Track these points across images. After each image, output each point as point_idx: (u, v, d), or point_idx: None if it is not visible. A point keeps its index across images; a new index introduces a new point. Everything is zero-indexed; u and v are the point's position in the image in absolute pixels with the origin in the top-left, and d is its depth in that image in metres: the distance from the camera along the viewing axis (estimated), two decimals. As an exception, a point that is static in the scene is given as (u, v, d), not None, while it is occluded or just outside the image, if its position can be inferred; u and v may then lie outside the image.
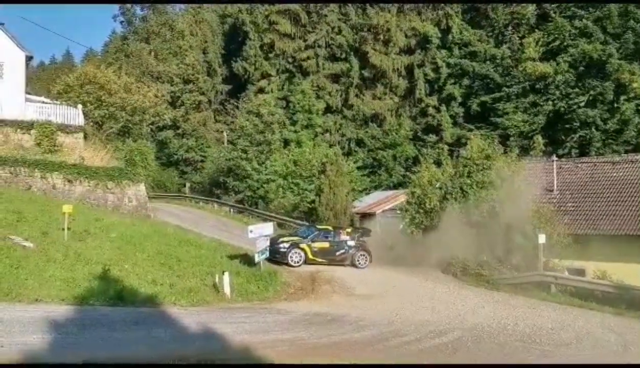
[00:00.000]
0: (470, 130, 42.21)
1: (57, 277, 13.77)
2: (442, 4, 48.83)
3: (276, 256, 22.01)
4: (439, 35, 48.85)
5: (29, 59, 35.50)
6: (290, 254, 22.37)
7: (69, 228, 18.33)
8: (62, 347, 9.16)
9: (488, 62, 45.22)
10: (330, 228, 25.17)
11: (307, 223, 32.60)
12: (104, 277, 14.51)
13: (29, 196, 25.48)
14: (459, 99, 47.07)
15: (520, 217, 22.19)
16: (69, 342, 9.53)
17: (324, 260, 22.83)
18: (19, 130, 31.20)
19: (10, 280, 12.69)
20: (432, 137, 47.16)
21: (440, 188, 26.96)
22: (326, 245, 23.26)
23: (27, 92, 35.02)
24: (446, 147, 44.60)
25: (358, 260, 23.29)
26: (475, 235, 22.32)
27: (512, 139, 39.91)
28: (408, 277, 22.00)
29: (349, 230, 24.70)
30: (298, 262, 22.35)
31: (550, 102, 41.03)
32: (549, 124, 41.32)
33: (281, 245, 22.59)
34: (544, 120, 41.28)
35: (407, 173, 41.85)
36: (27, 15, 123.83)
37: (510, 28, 45.05)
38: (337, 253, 23.15)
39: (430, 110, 48.67)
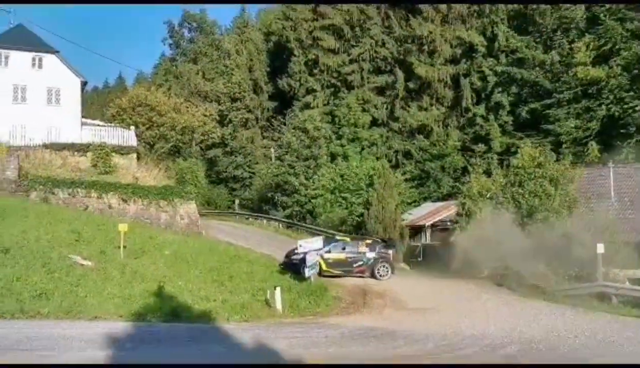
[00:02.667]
0: (520, 138, 41.25)
1: (114, 294, 14.13)
2: (488, 13, 48.12)
3: (291, 268, 21.97)
4: (485, 43, 48.12)
5: (83, 84, 37.00)
6: (303, 266, 21.73)
7: (124, 247, 18.83)
8: (123, 362, 9.36)
9: (537, 69, 44.20)
10: (348, 239, 24.84)
11: (379, 240, 32.56)
12: (159, 293, 14.80)
13: (86, 216, 26.34)
14: (508, 107, 46.13)
15: (577, 226, 21.49)
16: (128, 358, 9.72)
17: (340, 272, 22.43)
18: (76, 153, 32.48)
19: (71, 298, 13.09)
20: (481, 147, 46.30)
21: (491, 198, 26.46)
22: (342, 256, 22.89)
23: (83, 116, 36.45)
24: (496, 157, 43.82)
25: (378, 271, 22.83)
26: (530, 246, 21.70)
27: (565, 146, 38.72)
28: (461, 289, 21.60)
29: (368, 241, 24.18)
30: (312, 275, 21.47)
31: (604, 107, 39.67)
32: (604, 129, 39.92)
33: (294, 257, 22.50)
34: (598, 125, 39.92)
35: (457, 184, 41.28)
36: (81, 41, 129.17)
37: (559, 33, 43.93)
38: (355, 265, 22.75)
39: (478, 120, 47.87)
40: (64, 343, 9.90)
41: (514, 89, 45.97)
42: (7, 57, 34.20)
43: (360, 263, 22.78)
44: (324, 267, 22.17)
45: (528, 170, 25.04)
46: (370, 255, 23.02)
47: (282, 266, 23.16)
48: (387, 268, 23.20)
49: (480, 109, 47.88)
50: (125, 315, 12.76)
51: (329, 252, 22.80)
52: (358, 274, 22.68)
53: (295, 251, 22.72)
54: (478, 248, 24.71)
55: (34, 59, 34.80)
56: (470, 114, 48.72)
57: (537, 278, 21.18)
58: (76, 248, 18.34)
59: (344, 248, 23.28)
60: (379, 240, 25.49)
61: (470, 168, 40.68)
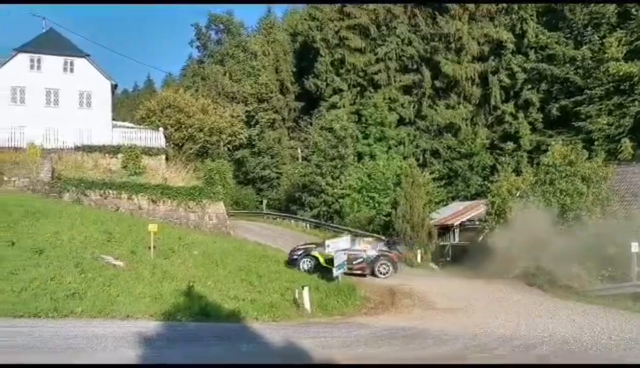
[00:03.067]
0: (550, 136, 40.66)
1: (145, 293, 14.30)
2: (516, 9, 47.46)
3: (292, 264, 22.50)
4: (514, 40, 47.54)
5: (114, 87, 37.64)
6: (301, 262, 22.66)
7: (154, 247, 19.06)
8: (155, 360, 9.48)
9: (567, 65, 43.50)
10: (343, 237, 24.51)
11: (383, 237, 32.43)
12: (188, 293, 14.93)
13: (117, 217, 26.75)
14: (538, 105, 45.53)
15: (610, 225, 21.07)
16: (160, 357, 9.84)
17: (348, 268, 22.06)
18: (106, 154, 33.04)
19: (104, 297, 13.29)
20: (510, 145, 45.76)
21: (521, 197, 26.10)
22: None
23: (113, 119, 37.10)
24: (525, 155, 43.29)
25: (379, 270, 22.78)
26: (562, 245, 21.35)
27: (597, 143, 38.00)
28: (491, 289, 21.35)
29: (369, 239, 24.18)
30: (308, 269, 22.32)
31: (637, 103, 38.84)
32: (637, 125, 39.08)
33: (294, 253, 23.05)
34: (631, 122, 39.07)
35: (485, 182, 40.82)
36: (111, 45, 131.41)
37: (589, 28, 43.15)
38: (354, 262, 22.50)
39: (507, 118, 47.32)
40: (97, 342, 10.07)
41: (544, 86, 45.35)
42: (39, 62, 34.97)
43: (360, 260, 22.64)
44: (322, 263, 22.20)
45: (559, 169, 24.65)
46: (371, 253, 22.91)
47: (287, 263, 23.28)
48: (387, 266, 23.11)
49: (509, 107, 47.33)
50: (156, 314, 12.90)
51: (321, 247, 22.95)
52: (358, 271, 22.60)
53: (297, 248, 23.52)
54: (508, 247, 24.43)
55: (65, 63, 35.52)
56: (498, 112, 48.20)
57: (569, 278, 20.84)
58: (108, 249, 18.63)
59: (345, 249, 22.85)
60: (383, 239, 25.39)
61: (499, 166, 40.28)
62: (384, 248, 23.75)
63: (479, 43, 49.88)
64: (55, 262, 15.28)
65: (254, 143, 59.53)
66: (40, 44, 35.85)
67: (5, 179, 28.85)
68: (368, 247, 23.24)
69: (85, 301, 12.73)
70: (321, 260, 22.30)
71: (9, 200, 23.45)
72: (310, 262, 22.66)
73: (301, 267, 22.52)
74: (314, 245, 23.80)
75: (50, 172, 30.30)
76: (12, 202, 23.01)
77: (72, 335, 10.34)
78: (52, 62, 35.23)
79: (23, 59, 34.69)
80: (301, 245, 23.80)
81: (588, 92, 41.52)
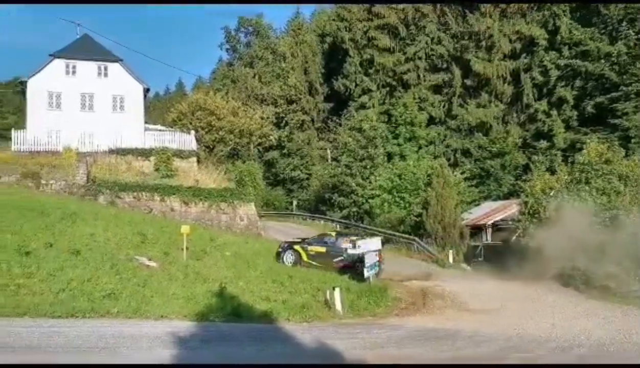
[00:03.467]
0: (585, 134, 39.79)
1: (178, 294, 14.48)
2: (549, 5, 46.66)
3: (278, 257, 23.26)
4: (546, 36, 46.74)
5: (146, 91, 38.27)
6: (284, 255, 23.20)
7: (187, 248, 19.29)
8: (188, 360, 9.59)
9: (602, 61, 42.55)
10: (332, 234, 24.97)
11: (416, 238, 32.28)
12: (220, 294, 15.07)
13: (150, 218, 27.17)
14: (572, 102, 44.65)
15: (649, 224, 20.53)
16: (194, 357, 9.95)
17: (320, 265, 22.25)
18: (139, 157, 33.60)
19: (138, 298, 13.50)
20: (543, 143, 44.97)
21: (556, 196, 25.61)
22: (322, 249, 22.87)
23: (145, 122, 37.69)
24: (559, 153, 42.48)
25: (358, 268, 21.65)
26: (598, 246, 20.88)
27: (634, 140, 37.10)
28: (525, 290, 21.01)
29: (353, 238, 23.71)
30: (291, 263, 22.77)
31: (675, 99, 37.83)
32: (677, 122, 38.07)
33: (280, 247, 23.81)
34: (670, 118, 38.08)
35: (518, 182, 40.18)
36: (143, 50, 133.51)
37: (624, 23, 42.15)
38: (335, 260, 22.39)
39: (540, 116, 46.53)
40: (133, 342, 10.24)
41: (578, 83, 44.49)
42: (74, 67, 35.74)
43: (341, 258, 22.42)
44: (304, 258, 22.76)
45: (595, 167, 24.12)
46: (352, 251, 22.34)
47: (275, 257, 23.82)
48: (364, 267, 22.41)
49: (542, 105, 46.54)
50: (189, 314, 13.05)
51: (310, 244, 23.40)
52: (339, 269, 22.23)
53: (285, 242, 24.35)
54: (542, 248, 23.99)
55: (99, 68, 36.25)
56: (531, 110, 47.45)
57: (606, 279, 20.36)
58: (142, 250, 18.93)
59: (325, 242, 23.33)
60: (365, 237, 24.75)
61: (532, 165, 39.61)
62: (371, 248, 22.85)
63: (510, 40, 49.20)
64: (92, 263, 15.58)
65: (283, 144, 59.78)
66: (75, 49, 36.66)
67: (43, 182, 29.56)
68: (349, 246, 22.73)
69: (120, 301, 12.95)
70: (303, 255, 22.92)
71: (47, 202, 24.01)
72: (292, 255, 23.23)
73: (285, 260, 23.06)
74: (300, 240, 24.40)
75: (85, 174, 30.94)
76: (50, 204, 23.55)
77: (109, 335, 10.53)
78: (87, 67, 35.98)
79: (59, 64, 35.51)
80: (289, 240, 24.17)
81: (624, 88, 40.56)
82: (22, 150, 32.58)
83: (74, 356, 8.99)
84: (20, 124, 38.16)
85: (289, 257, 23.21)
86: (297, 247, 23.48)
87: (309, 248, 23.13)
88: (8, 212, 20.06)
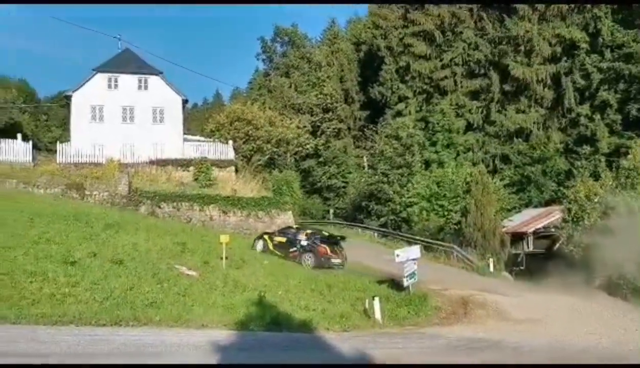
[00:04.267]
0: (630, 138, 38.67)
1: (218, 303, 14.58)
2: (589, 7, 45.62)
3: (252, 246, 25.86)
4: (587, 39, 45.71)
5: (184, 102, 38.94)
6: (256, 243, 26.05)
7: (226, 257, 19.45)
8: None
9: (646, 63, 41.37)
10: (293, 228, 27.66)
11: (455, 246, 31.87)
12: (260, 303, 15.11)
13: (189, 228, 27.55)
14: (615, 105, 43.50)
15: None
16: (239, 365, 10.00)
17: (281, 254, 24.54)
18: (179, 168, 34.19)
19: (179, 307, 13.65)
20: (586, 149, 43.88)
21: (600, 203, 24.94)
22: (283, 240, 25.36)
23: (184, 133, 38.30)
24: (603, 158, 41.38)
25: (304, 259, 24.14)
26: (646, 253, 20.21)
27: (682, 144, 35.82)
28: (569, 299, 20.43)
29: (308, 232, 25.96)
30: (260, 250, 25.32)
31: None
32: None
33: (255, 237, 26.83)
34: None
35: (560, 188, 39.31)
36: (182, 62, 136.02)
37: (669, 24, 40.93)
38: (291, 249, 24.74)
39: (582, 120, 45.46)
40: (176, 350, 10.36)
41: (621, 86, 43.36)
42: (116, 81, 36.65)
43: (295, 249, 24.68)
44: (270, 246, 25.40)
45: (641, 172, 23.40)
46: (304, 243, 24.65)
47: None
48: (311, 258, 24.20)
49: (585, 109, 45.48)
50: (229, 323, 13.12)
51: (275, 235, 26.17)
52: (292, 258, 24.33)
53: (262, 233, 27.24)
54: (587, 255, 23.38)
55: (140, 81, 37.06)
56: (573, 114, 46.41)
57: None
58: (182, 259, 19.15)
59: (287, 234, 25.84)
60: (325, 235, 26.21)
61: (574, 171, 38.71)
62: (315, 243, 24.77)
63: (550, 44, 48.27)
64: (134, 272, 15.83)
65: (320, 153, 59.90)
66: (116, 63, 37.60)
67: (87, 192, 30.33)
68: (304, 238, 25.00)
69: (162, 310, 13.11)
70: (269, 244, 25.52)
71: (90, 212, 24.58)
72: (262, 243, 25.83)
73: (256, 247, 25.72)
74: (269, 232, 27.00)
75: (127, 185, 31.61)
76: (94, 214, 24.10)
77: (151, 344, 10.68)
78: (128, 81, 36.85)
79: (101, 78, 36.47)
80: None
81: (670, 91, 39.34)
82: (66, 162, 33.50)
83: (118, 362, 9.14)
84: (65, 137, 39.31)
85: (259, 245, 25.81)
86: (265, 236, 26.22)
87: (275, 238, 25.68)
88: (54, 222, 20.61)
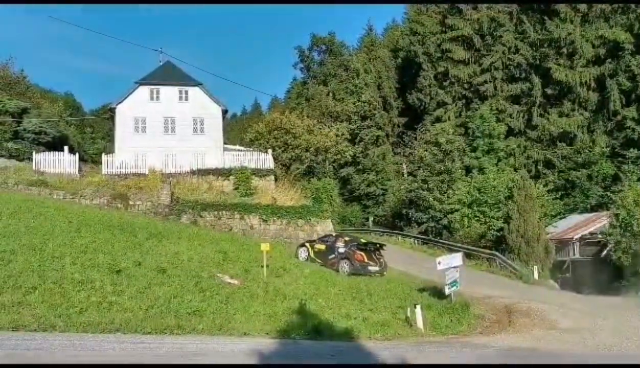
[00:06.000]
0: (680, 140, 37.40)
1: (260, 312, 14.67)
2: (634, 8, 44.40)
3: (296, 255, 25.76)
4: (632, 40, 44.45)
5: (224, 112, 39.45)
6: (299, 251, 26.03)
7: (267, 266, 19.58)
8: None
9: (695, 63, 39.97)
10: (332, 235, 27.44)
11: (497, 253, 31.31)
12: (301, 311, 15.14)
13: (230, 236, 27.83)
14: (663, 107, 42.12)
15: None
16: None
17: (321, 261, 24.37)
18: (219, 177, 34.62)
19: (221, 315, 13.80)
20: (634, 152, 42.58)
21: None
22: (323, 247, 25.14)
23: (224, 142, 38.77)
24: (652, 162, 40.10)
25: (341, 266, 23.88)
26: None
27: None
28: (619, 308, 19.84)
29: (346, 239, 25.80)
30: (303, 258, 25.22)
31: None
32: None
33: (297, 246, 26.78)
34: None
35: (607, 193, 38.27)
36: (221, 73, 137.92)
37: None
38: (330, 257, 24.48)
39: (629, 123, 44.18)
40: (217, 359, 10.44)
41: (670, 87, 41.95)
42: (158, 93, 37.40)
43: (333, 255, 24.41)
44: (311, 254, 25.34)
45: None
46: (342, 250, 24.39)
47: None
48: (348, 265, 23.96)
49: (631, 111, 44.24)
50: (270, 332, 13.18)
51: (315, 242, 26.08)
52: (330, 266, 24.13)
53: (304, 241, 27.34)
54: (636, 262, 22.62)
55: (180, 92, 37.74)
56: (619, 117, 45.18)
57: None
58: (223, 268, 19.38)
59: (327, 241, 25.64)
60: (363, 242, 25.89)
61: (622, 175, 37.61)
62: (352, 249, 24.51)
63: (593, 45, 47.15)
64: (177, 280, 16.09)
65: (358, 160, 59.78)
66: (158, 76, 38.43)
67: (131, 203, 30.99)
68: (341, 245, 24.78)
69: (205, 318, 13.27)
70: (310, 252, 25.42)
71: (134, 222, 25.15)
72: (304, 251, 25.76)
73: (299, 256, 25.64)
74: (316, 240, 26.76)
75: (169, 195, 32.15)
76: (138, 224, 24.65)
77: (195, 352, 10.80)
78: (169, 92, 37.57)
79: (144, 91, 37.29)
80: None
81: None
82: (111, 173, 34.32)
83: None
84: (110, 149, 40.32)
85: (302, 253, 25.71)
86: (307, 244, 26.19)
87: (315, 246, 25.69)
88: (100, 232, 21.15)
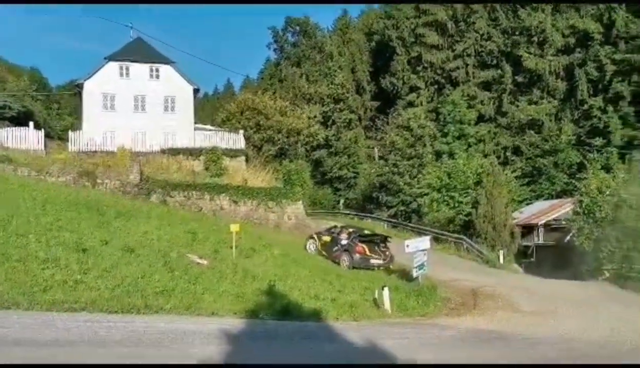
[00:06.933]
0: (643, 130, 38.38)
1: (229, 292, 14.65)
2: None
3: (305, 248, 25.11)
4: (602, 30, 45.23)
5: (196, 91, 38.94)
6: (307, 244, 25.30)
7: (236, 247, 19.53)
8: (239, 357, 9.70)
9: (661, 54, 40.90)
10: (338, 226, 26.61)
11: (465, 238, 31.78)
12: (270, 292, 15.19)
13: (200, 217, 27.64)
14: (629, 97, 43.08)
15: None
16: (244, 353, 10.07)
17: (326, 254, 23.72)
18: (189, 157, 34.27)
19: (190, 295, 13.73)
20: (599, 141, 43.56)
21: (612, 195, 24.76)
22: (328, 239, 24.31)
23: (195, 122, 38.34)
24: (616, 151, 41.07)
25: (342, 260, 23.05)
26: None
27: (696, 137, 35.50)
28: (580, 292, 20.38)
29: (350, 230, 24.73)
30: (312, 251, 24.59)
31: None
32: None
33: (306, 239, 25.90)
34: None
35: (572, 181, 39.08)
36: (193, 51, 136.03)
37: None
38: (333, 249, 23.59)
39: (595, 112, 45.11)
40: (186, 338, 10.43)
41: (635, 78, 42.90)
42: (127, 69, 36.68)
43: (337, 248, 23.54)
44: (319, 246, 24.64)
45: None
46: (344, 242, 23.50)
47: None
48: (349, 257, 23.04)
49: (598, 101, 45.14)
50: (239, 312, 13.18)
51: (323, 234, 25.28)
52: (334, 258, 23.40)
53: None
54: (598, 248, 23.24)
55: (151, 70, 37.09)
56: (586, 106, 46.08)
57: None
58: (192, 248, 19.25)
59: (332, 233, 24.80)
60: (366, 234, 24.96)
61: (587, 163, 38.44)
62: (352, 242, 23.47)
63: (563, 35, 47.86)
64: (145, 260, 15.93)
65: (330, 143, 59.88)
66: (128, 52, 37.63)
67: (99, 181, 30.50)
68: (345, 237, 23.87)
69: (173, 298, 13.19)
70: (318, 244, 24.70)
71: (102, 201, 24.74)
72: (312, 244, 25.03)
73: (308, 248, 25.01)
74: (322, 232, 25.84)
75: (138, 174, 31.75)
76: (105, 202, 24.26)
77: (163, 331, 10.76)
78: (139, 70, 36.88)
79: (113, 67, 36.53)
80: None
81: (685, 82, 38.90)
82: (78, 150, 33.66)
83: (130, 349, 9.23)
84: (77, 126, 39.50)
85: (310, 246, 25.09)
86: (315, 236, 25.55)
87: (322, 238, 24.77)
88: (66, 210, 20.76)
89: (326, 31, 75.58)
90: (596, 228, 24.54)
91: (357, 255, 22.77)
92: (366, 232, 25.14)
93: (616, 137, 42.64)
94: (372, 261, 22.75)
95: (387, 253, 23.57)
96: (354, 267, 22.22)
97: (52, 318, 10.57)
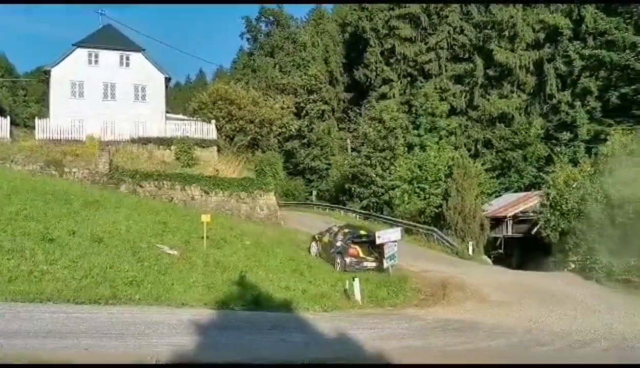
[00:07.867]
0: (609, 125, 39.23)
1: (199, 282, 14.59)
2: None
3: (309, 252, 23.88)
4: (571, 26, 46.01)
5: (167, 80, 38.44)
6: (311, 245, 24.09)
7: (207, 237, 19.43)
8: (210, 348, 9.68)
9: (628, 51, 41.80)
10: (336, 227, 24.63)
11: (435, 229, 32.10)
12: (241, 282, 15.17)
13: (171, 207, 27.39)
14: (596, 93, 43.99)
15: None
16: (215, 344, 10.05)
17: (325, 255, 22.43)
18: (160, 146, 33.86)
19: (160, 285, 13.63)
20: (566, 135, 44.42)
21: (578, 188, 25.30)
22: (327, 240, 23.03)
23: (166, 111, 37.87)
24: (583, 145, 41.95)
25: (336, 262, 21.51)
26: (621, 238, 20.59)
27: (660, 132, 36.38)
28: (546, 282, 20.79)
29: (345, 231, 23.08)
30: (315, 253, 23.36)
31: None
32: None
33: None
34: (698, 109, 37.29)
35: (540, 174, 39.82)
36: (164, 39, 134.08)
37: (651, 12, 41.33)
38: (330, 250, 22.26)
39: (563, 107, 45.93)
40: (155, 329, 10.35)
41: (603, 73, 43.81)
42: (97, 57, 36.00)
43: (332, 250, 22.15)
44: (320, 248, 23.35)
45: (619, 159, 23.74)
46: (339, 243, 22.05)
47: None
48: (339, 260, 21.50)
49: (566, 95, 45.96)
50: (209, 302, 13.14)
51: (323, 235, 23.75)
52: (331, 260, 21.89)
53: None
54: (564, 240, 23.75)
55: (121, 58, 36.48)
56: (554, 101, 46.87)
57: (629, 272, 20.06)
58: (163, 238, 19.09)
59: (331, 233, 23.31)
60: (361, 234, 22.93)
61: (554, 157, 39.20)
62: (346, 243, 21.90)
63: (534, 30, 48.53)
64: (114, 250, 15.76)
65: (303, 134, 59.83)
66: (97, 39, 36.91)
67: (67, 170, 29.96)
68: (340, 238, 22.31)
69: (142, 289, 13.08)
70: (319, 245, 23.43)
71: (70, 190, 24.32)
72: (315, 246, 23.74)
73: (311, 251, 23.68)
74: (324, 232, 24.24)
75: (108, 163, 31.27)
76: (73, 192, 23.86)
77: (131, 322, 10.67)
78: (109, 57, 36.22)
79: (81, 54, 35.80)
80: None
81: (650, 79, 39.86)
82: (45, 138, 32.96)
83: (97, 341, 9.12)
84: (44, 113, 38.65)
85: (313, 248, 23.84)
86: (316, 237, 24.10)
87: (322, 239, 23.47)
88: (33, 199, 20.37)
89: (300, 22, 75.43)
90: (562, 220, 25.05)
91: (349, 259, 21.26)
92: (362, 232, 23.37)
93: (583, 131, 43.50)
94: (365, 264, 21.20)
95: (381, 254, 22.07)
96: (345, 270, 20.52)
97: (16, 310, 10.39)
